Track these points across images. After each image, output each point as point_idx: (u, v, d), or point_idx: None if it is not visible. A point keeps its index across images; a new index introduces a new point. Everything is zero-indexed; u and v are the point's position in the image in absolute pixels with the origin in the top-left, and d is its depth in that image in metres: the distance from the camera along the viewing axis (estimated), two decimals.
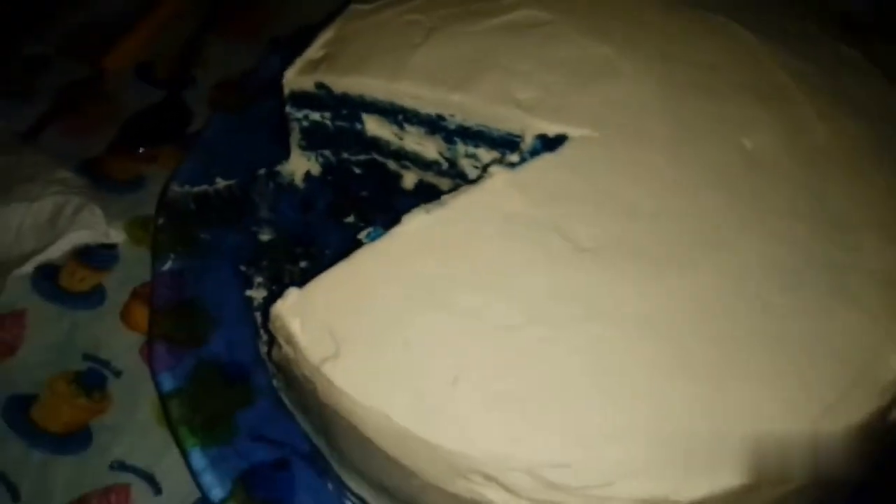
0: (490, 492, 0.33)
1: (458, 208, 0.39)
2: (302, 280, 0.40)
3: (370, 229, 0.41)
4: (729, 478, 0.31)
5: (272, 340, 0.41)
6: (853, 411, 0.33)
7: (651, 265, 0.36)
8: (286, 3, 0.70)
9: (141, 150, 0.59)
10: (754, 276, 0.36)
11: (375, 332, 0.36)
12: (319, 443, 0.43)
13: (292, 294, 0.38)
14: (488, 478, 0.33)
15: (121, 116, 0.62)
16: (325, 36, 0.50)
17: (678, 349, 0.34)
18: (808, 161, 0.40)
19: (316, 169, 0.55)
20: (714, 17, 0.47)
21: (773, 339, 0.34)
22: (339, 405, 0.36)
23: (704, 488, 0.31)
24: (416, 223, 0.39)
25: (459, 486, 0.34)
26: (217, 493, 0.40)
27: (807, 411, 0.32)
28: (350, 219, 0.53)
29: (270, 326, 0.39)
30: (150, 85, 0.64)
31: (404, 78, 0.46)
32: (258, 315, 0.48)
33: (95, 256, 0.54)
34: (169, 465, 0.45)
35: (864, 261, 0.37)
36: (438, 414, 0.34)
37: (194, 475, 0.41)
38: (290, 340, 0.37)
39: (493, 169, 0.40)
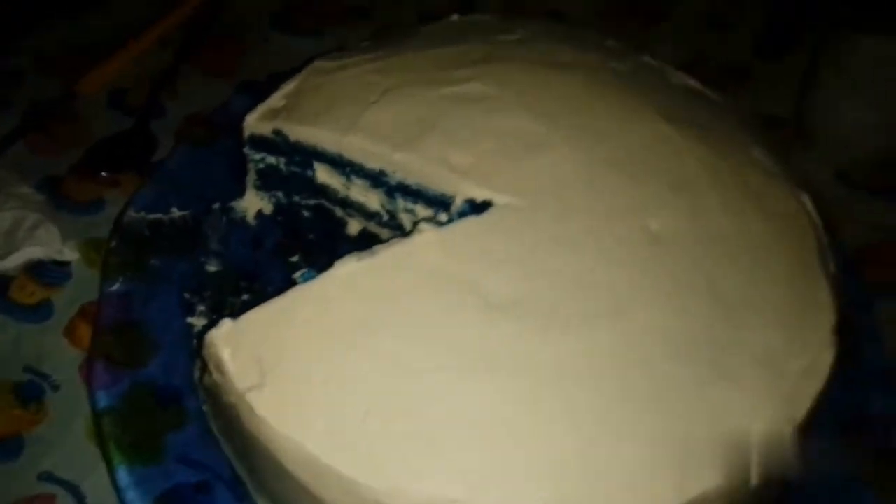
0: None
1: (387, 259, 0.42)
2: (241, 312, 0.42)
3: (304, 270, 0.44)
4: None
5: (204, 366, 0.43)
6: (717, 473, 0.36)
7: (553, 324, 0.40)
8: (258, 48, 0.73)
9: (104, 174, 0.61)
10: (644, 343, 0.40)
11: (299, 367, 0.39)
12: (240, 469, 0.45)
13: (226, 324, 0.41)
14: None
15: (88, 139, 0.64)
16: (288, 87, 0.53)
17: (567, 401, 0.37)
18: (708, 246, 0.44)
19: (268, 208, 0.58)
20: (642, 107, 0.51)
21: (653, 400, 0.38)
22: (259, 432, 0.38)
23: None
24: (346, 269, 0.42)
25: None
26: None
27: (676, 469, 0.36)
28: (295, 258, 0.55)
29: (203, 353, 0.42)
30: (120, 111, 0.67)
31: (354, 133, 0.49)
32: (196, 343, 0.51)
33: (47, 272, 0.56)
34: (96, 481, 0.47)
35: (745, 340, 0.41)
36: (349, 446, 0.36)
37: (118, 491, 0.43)
38: (220, 368, 0.40)
39: (423, 226, 0.44)
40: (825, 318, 0.43)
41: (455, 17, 0.59)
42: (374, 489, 0.36)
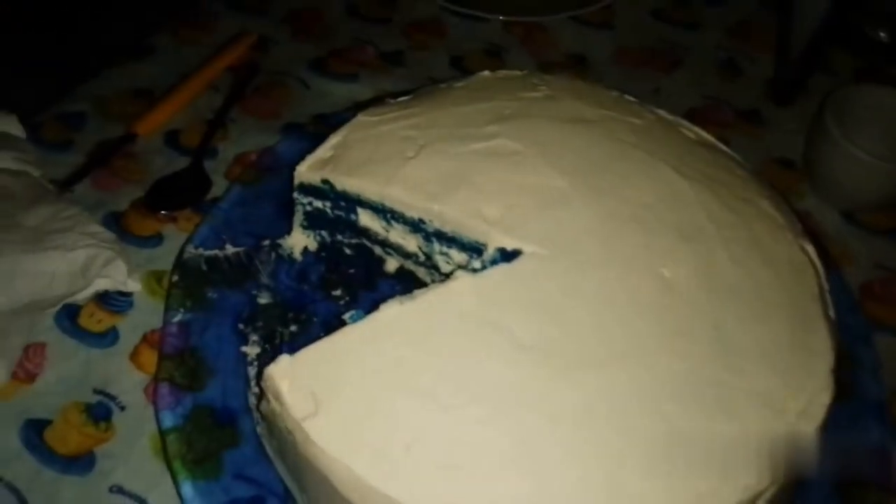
0: None
1: (426, 302, 0.48)
2: (291, 341, 0.47)
3: (353, 312, 0.49)
4: None
5: (262, 394, 0.49)
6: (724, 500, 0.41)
7: (574, 366, 0.44)
8: (302, 94, 0.79)
9: (163, 212, 0.67)
10: (654, 384, 0.44)
11: (349, 400, 0.44)
12: (292, 486, 0.50)
13: (284, 360, 0.46)
14: None
15: (146, 176, 0.69)
16: (334, 140, 0.58)
17: (582, 437, 0.42)
18: (715, 295, 0.49)
19: (313, 245, 0.63)
20: (657, 163, 0.55)
21: (661, 438, 0.42)
22: (313, 456, 0.43)
23: None
24: (390, 311, 0.47)
25: None
26: None
27: (681, 499, 0.41)
28: (338, 292, 0.61)
29: (262, 384, 0.47)
30: (175, 151, 0.73)
31: (395, 184, 0.54)
32: (250, 369, 0.56)
33: (113, 301, 0.61)
34: (160, 493, 0.52)
35: (746, 383, 0.45)
36: (393, 471, 0.41)
37: (183, 503, 0.49)
38: (278, 398, 0.45)
39: (458, 273, 0.49)
40: (823, 362, 0.47)
41: (486, 73, 0.64)
42: None
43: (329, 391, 0.45)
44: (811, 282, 0.51)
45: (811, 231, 0.57)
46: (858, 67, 0.84)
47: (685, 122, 0.61)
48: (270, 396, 0.46)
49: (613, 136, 0.57)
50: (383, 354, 0.45)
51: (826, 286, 0.52)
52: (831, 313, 0.50)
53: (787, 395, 0.45)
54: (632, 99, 0.63)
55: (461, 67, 0.82)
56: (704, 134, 0.61)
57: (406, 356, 0.45)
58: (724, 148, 0.60)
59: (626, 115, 0.60)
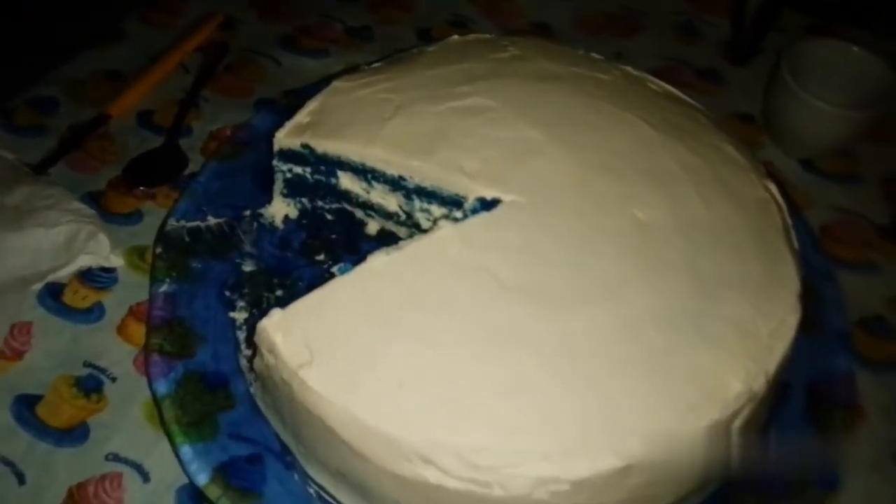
0: (428, 472, 0.42)
1: (412, 251, 0.49)
2: (279, 304, 0.48)
3: (341, 264, 0.50)
4: (602, 465, 0.41)
5: (255, 352, 0.50)
6: (700, 420, 0.43)
7: (557, 303, 0.46)
8: (273, 71, 0.79)
9: (141, 188, 0.67)
10: (636, 317, 0.46)
11: (342, 345, 0.45)
12: (288, 440, 0.51)
13: (276, 313, 0.47)
14: (426, 460, 0.42)
15: (122, 156, 0.69)
16: (311, 106, 0.59)
17: (575, 366, 0.44)
18: (687, 233, 0.51)
19: (294, 213, 0.64)
20: (626, 115, 0.57)
21: (645, 364, 0.45)
22: (310, 402, 0.45)
23: (586, 471, 0.41)
24: (378, 261, 0.49)
25: (404, 468, 0.43)
26: (201, 478, 0.48)
27: (668, 416, 0.43)
28: (321, 257, 0.62)
29: (256, 339, 0.48)
30: (149, 131, 0.72)
31: (375, 144, 0.56)
32: (239, 333, 0.57)
33: (96, 278, 0.62)
34: (156, 458, 0.53)
35: (722, 310, 0.47)
36: (389, 409, 0.43)
37: (182, 465, 0.49)
38: (273, 350, 0.47)
39: (442, 223, 0.51)
40: (790, 288, 0.50)
41: (456, 37, 0.66)
42: (413, 443, 0.42)
43: (322, 339, 0.46)
44: (776, 217, 0.54)
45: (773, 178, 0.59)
46: (808, 25, 0.87)
47: (650, 77, 0.64)
48: (264, 350, 0.48)
49: (583, 91, 0.59)
50: (373, 301, 0.47)
51: (789, 221, 0.55)
52: (795, 245, 0.53)
53: (759, 319, 0.47)
54: (598, 57, 0.65)
55: (428, 38, 0.83)
56: (669, 87, 0.63)
57: (396, 301, 0.47)
58: (688, 99, 0.63)
59: (594, 71, 0.62)
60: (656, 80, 0.64)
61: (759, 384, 0.45)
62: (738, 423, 0.45)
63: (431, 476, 0.42)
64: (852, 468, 0.52)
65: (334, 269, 0.51)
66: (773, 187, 0.56)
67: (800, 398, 0.54)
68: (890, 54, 0.72)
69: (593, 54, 0.65)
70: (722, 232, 0.52)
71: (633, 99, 0.60)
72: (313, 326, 0.46)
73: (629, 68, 0.64)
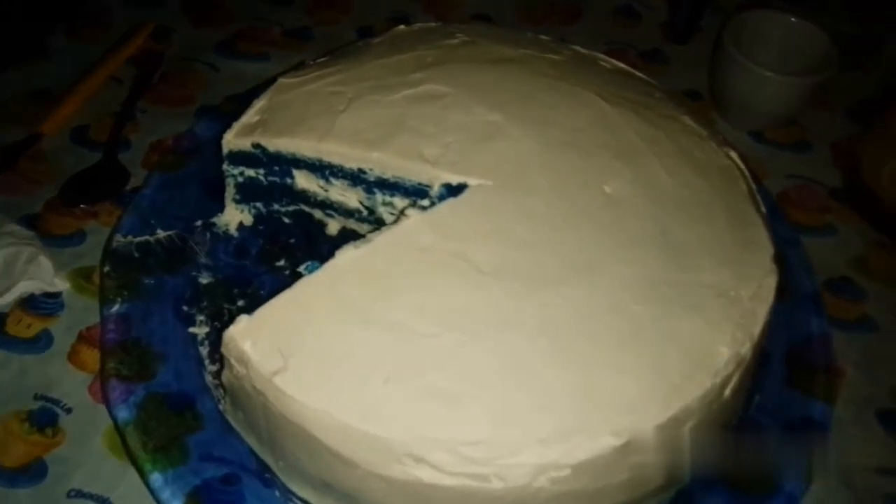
0: (421, 472, 0.40)
1: (381, 243, 0.47)
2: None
3: (308, 263, 0.48)
4: (602, 444, 0.40)
5: (222, 365, 0.47)
6: (694, 389, 0.43)
7: (535, 284, 0.45)
8: (212, 77, 0.76)
9: (82, 206, 0.63)
10: (616, 291, 0.45)
11: (317, 347, 0.43)
12: (265, 456, 0.48)
13: (243, 319, 0.44)
14: (418, 459, 0.40)
15: (58, 176, 0.65)
16: (259, 104, 0.57)
17: (559, 347, 0.43)
18: (657, 204, 0.50)
19: (248, 220, 0.61)
20: (582, 92, 0.57)
21: (632, 338, 0.44)
22: (288, 411, 0.42)
23: (586, 452, 0.40)
24: (346, 256, 0.46)
25: (395, 470, 0.41)
26: None
27: (659, 390, 0.42)
28: (281, 262, 0.59)
29: (223, 349, 0.45)
30: (85, 147, 0.68)
31: (330, 138, 0.54)
32: (202, 349, 0.54)
33: (40, 304, 0.58)
34: (124, 490, 0.50)
35: (701, 279, 0.47)
36: (374, 409, 0.41)
37: (153, 494, 0.46)
38: (242, 359, 0.44)
39: (409, 211, 0.49)
40: (764, 250, 0.50)
41: (402, 27, 0.64)
42: (402, 442, 0.40)
43: (295, 343, 0.43)
44: (740, 183, 0.54)
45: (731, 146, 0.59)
46: (742, 2, 0.88)
47: (600, 55, 0.63)
48: (233, 361, 0.45)
49: (536, 71, 0.58)
50: (347, 297, 0.45)
51: (754, 186, 0.55)
52: (763, 209, 0.53)
53: (738, 284, 0.47)
54: (546, 38, 0.64)
55: (370, 36, 0.81)
56: (620, 63, 0.63)
57: (370, 295, 0.44)
58: (640, 74, 0.62)
59: (545, 51, 0.61)
60: (606, 58, 0.63)
61: (746, 349, 0.45)
62: (728, 390, 0.44)
63: (425, 475, 0.40)
64: (836, 427, 0.52)
65: (301, 269, 0.48)
66: (733, 154, 0.56)
67: (779, 364, 0.54)
68: (823, 25, 0.73)
69: (542, 36, 0.64)
70: (690, 201, 0.52)
71: (587, 77, 0.59)
72: (284, 330, 0.44)
73: (578, 47, 0.64)
